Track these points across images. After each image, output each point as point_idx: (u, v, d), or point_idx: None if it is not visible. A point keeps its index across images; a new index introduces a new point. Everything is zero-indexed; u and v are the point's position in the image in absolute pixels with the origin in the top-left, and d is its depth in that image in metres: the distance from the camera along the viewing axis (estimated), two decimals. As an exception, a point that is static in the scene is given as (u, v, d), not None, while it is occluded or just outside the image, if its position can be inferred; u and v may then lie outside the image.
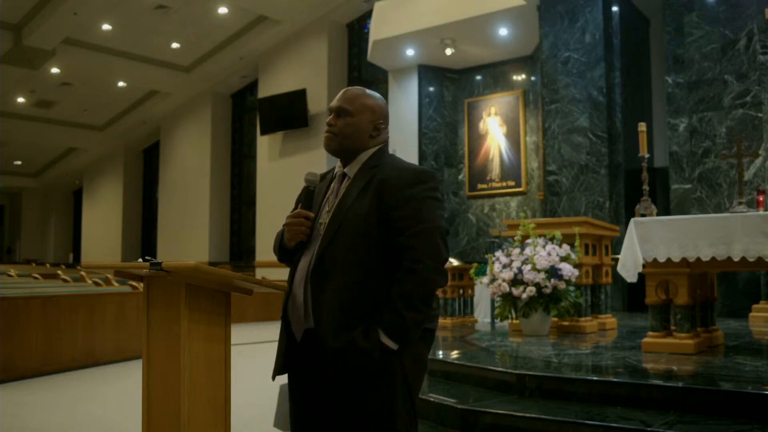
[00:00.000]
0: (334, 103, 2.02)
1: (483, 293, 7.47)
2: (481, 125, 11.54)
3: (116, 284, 9.39)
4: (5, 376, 6.33)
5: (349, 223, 1.88)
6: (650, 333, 4.56)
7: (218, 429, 2.27)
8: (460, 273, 7.23)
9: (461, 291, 7.25)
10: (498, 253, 6.08)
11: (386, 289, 1.83)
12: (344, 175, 2.01)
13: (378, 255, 1.86)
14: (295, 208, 2.10)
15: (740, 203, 5.04)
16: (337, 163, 2.07)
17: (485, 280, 6.14)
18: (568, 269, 5.66)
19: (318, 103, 14.42)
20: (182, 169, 18.34)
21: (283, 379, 2.06)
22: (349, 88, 2.08)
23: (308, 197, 1.98)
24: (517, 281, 5.75)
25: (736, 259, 4.08)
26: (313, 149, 14.32)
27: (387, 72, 12.28)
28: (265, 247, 14.58)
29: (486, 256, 6.59)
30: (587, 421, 3.17)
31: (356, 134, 1.99)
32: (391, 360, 1.82)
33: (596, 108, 8.72)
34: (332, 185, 2.03)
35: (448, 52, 10.70)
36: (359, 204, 1.89)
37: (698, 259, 4.19)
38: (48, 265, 19.12)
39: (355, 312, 1.83)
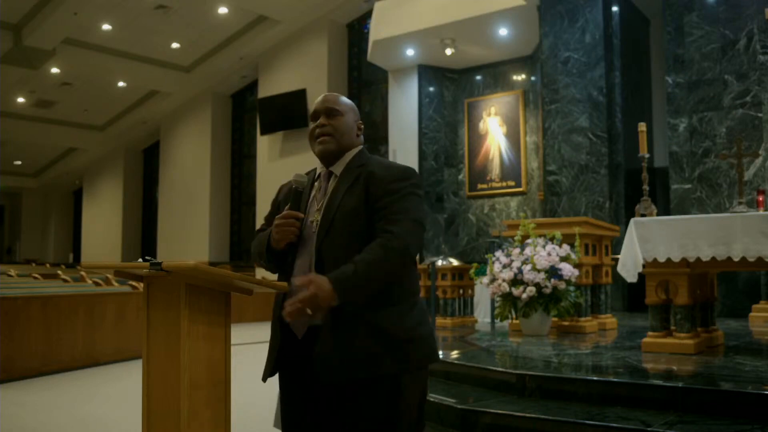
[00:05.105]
0: (320, 106, 2.07)
1: (483, 293, 7.47)
2: (481, 125, 11.53)
3: (116, 284, 9.39)
4: (5, 376, 6.33)
5: (341, 219, 1.92)
6: (650, 333, 4.56)
7: (218, 429, 2.27)
8: (460, 273, 7.23)
9: (461, 291, 7.25)
10: (498, 253, 6.08)
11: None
12: (330, 173, 2.04)
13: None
14: (274, 210, 2.15)
15: (740, 203, 5.04)
16: (318, 165, 2.11)
17: (485, 280, 6.14)
18: (568, 269, 5.67)
19: (318, 103, 14.40)
20: (182, 169, 18.33)
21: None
22: (326, 93, 2.13)
23: (297, 198, 2.00)
24: (517, 281, 5.75)
25: (736, 259, 4.08)
26: (313, 149, 14.30)
27: (387, 72, 12.27)
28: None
29: (486, 256, 6.59)
30: (587, 421, 3.17)
31: (348, 133, 2.07)
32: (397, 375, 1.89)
33: (596, 108, 8.72)
34: (316, 184, 2.07)
35: (448, 52, 10.70)
36: (349, 200, 1.94)
37: (698, 259, 4.20)
38: (48, 265, 19.10)
39: (360, 305, 1.88)
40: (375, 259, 1.82)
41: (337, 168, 2.04)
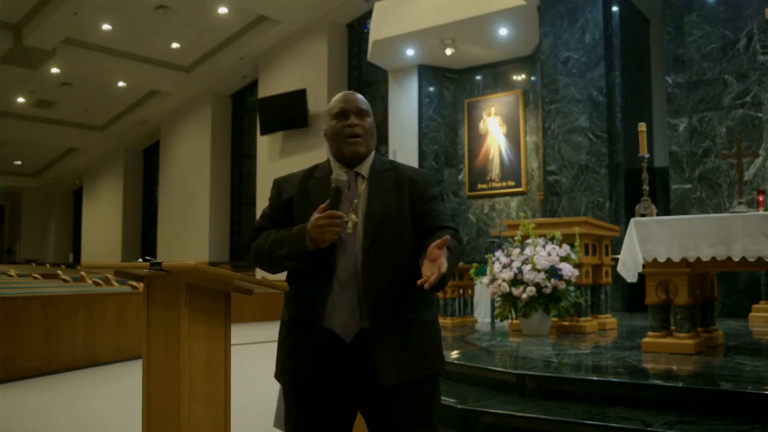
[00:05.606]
0: (349, 105, 2.03)
1: (483, 293, 7.47)
2: (481, 125, 11.54)
3: (116, 284, 9.39)
4: (5, 376, 6.33)
5: (388, 221, 1.93)
6: (650, 333, 4.57)
7: (218, 429, 2.27)
8: (460, 273, 7.23)
9: (461, 291, 7.25)
10: (498, 253, 6.08)
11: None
12: (356, 174, 2.02)
13: (414, 250, 1.95)
14: (278, 206, 2.05)
15: (740, 203, 5.04)
16: (330, 163, 2.05)
17: (485, 280, 6.14)
18: (568, 269, 5.66)
19: (318, 103, 14.41)
20: (182, 169, 18.33)
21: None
22: (349, 91, 2.11)
23: (337, 198, 1.92)
24: (517, 281, 5.75)
25: (736, 259, 4.08)
26: (313, 149, 14.31)
27: (387, 72, 12.27)
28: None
29: (486, 256, 6.59)
30: (587, 421, 3.17)
31: (374, 135, 2.09)
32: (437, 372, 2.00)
33: (596, 108, 8.72)
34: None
35: (448, 52, 10.70)
36: (392, 202, 1.96)
37: (698, 259, 4.19)
38: (48, 265, 19.10)
39: (407, 305, 1.93)
40: (456, 247, 1.90)
41: (362, 169, 2.02)
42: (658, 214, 4.93)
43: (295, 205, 2.02)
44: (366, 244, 1.91)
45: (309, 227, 1.87)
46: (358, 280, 1.90)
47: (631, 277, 4.42)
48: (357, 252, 1.92)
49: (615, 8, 9.09)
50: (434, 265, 1.72)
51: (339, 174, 1.95)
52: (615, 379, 3.65)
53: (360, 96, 2.09)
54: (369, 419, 1.97)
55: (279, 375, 2.01)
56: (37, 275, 11.06)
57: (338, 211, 1.89)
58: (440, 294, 7.00)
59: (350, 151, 2.00)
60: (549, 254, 5.71)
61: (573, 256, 5.82)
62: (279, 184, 2.11)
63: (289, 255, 1.92)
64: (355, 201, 1.97)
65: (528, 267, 5.69)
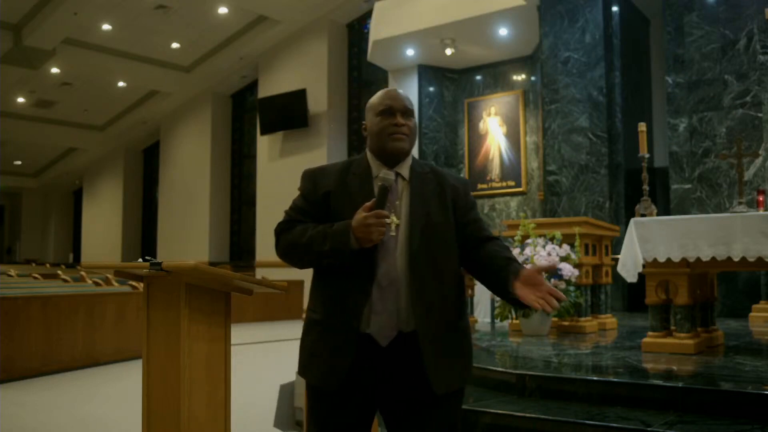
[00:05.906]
0: (396, 104, 1.96)
1: (483, 293, 7.46)
2: (481, 125, 11.54)
3: (116, 284, 9.39)
4: (5, 376, 6.33)
5: (432, 224, 1.90)
6: (650, 333, 4.57)
7: (218, 429, 2.27)
8: (460, 273, 7.21)
9: (461, 291, 7.24)
10: (498, 253, 6.07)
11: (462, 288, 1.99)
12: (397, 174, 1.95)
13: (457, 255, 1.96)
14: (314, 199, 1.95)
15: (740, 203, 5.04)
16: (367, 160, 1.99)
17: (485, 280, 6.13)
18: (568, 269, 5.66)
19: (318, 103, 14.41)
20: (182, 169, 18.33)
21: (283, 378, 2.05)
22: (393, 89, 2.05)
23: (384, 197, 1.85)
24: (517, 281, 5.74)
25: (736, 259, 4.08)
26: (313, 149, 14.30)
27: (387, 72, 12.27)
28: (265, 247, 14.57)
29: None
30: (587, 421, 3.17)
31: (416, 135, 2.04)
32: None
33: (596, 108, 8.72)
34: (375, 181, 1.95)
35: (448, 52, 10.70)
36: (436, 208, 1.94)
37: (698, 259, 4.19)
38: (48, 265, 19.09)
39: (451, 311, 1.92)
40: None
41: (402, 170, 1.96)
42: (658, 214, 4.93)
43: (333, 200, 1.93)
44: (413, 247, 1.87)
45: (355, 225, 1.79)
46: (400, 283, 1.85)
47: (631, 277, 4.42)
48: (398, 255, 1.87)
49: (615, 8, 9.09)
50: (539, 290, 1.74)
51: (387, 173, 1.89)
52: (615, 379, 3.65)
53: (405, 94, 2.03)
54: (394, 422, 1.92)
55: (309, 376, 1.93)
56: (37, 275, 11.05)
57: (385, 212, 1.82)
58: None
59: (394, 147, 1.94)
60: (549, 254, 5.71)
61: (573, 256, 5.82)
62: (313, 176, 2.00)
63: (331, 252, 1.84)
64: (396, 202, 1.91)
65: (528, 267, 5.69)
